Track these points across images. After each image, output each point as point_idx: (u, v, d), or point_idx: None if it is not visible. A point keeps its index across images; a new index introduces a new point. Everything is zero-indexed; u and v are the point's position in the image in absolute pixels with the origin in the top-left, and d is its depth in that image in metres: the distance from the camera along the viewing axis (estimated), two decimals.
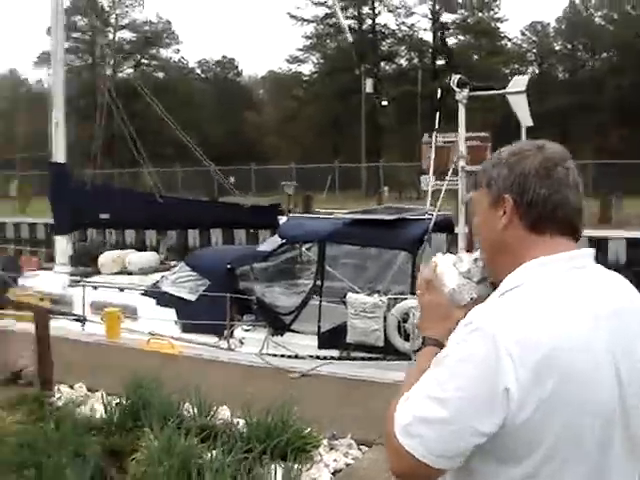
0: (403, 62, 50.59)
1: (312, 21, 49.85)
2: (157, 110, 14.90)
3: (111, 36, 48.50)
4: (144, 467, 4.65)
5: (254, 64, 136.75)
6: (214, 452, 4.75)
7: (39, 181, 31.65)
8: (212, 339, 9.93)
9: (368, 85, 38.48)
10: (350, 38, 38.92)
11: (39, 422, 5.45)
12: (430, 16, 48.22)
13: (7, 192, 34.93)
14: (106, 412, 5.68)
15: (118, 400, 5.75)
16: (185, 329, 10.44)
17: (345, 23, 41.77)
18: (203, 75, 60.09)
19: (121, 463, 4.90)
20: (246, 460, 4.73)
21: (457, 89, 8.31)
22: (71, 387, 6.75)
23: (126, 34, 56.24)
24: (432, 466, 1.53)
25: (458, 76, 8.40)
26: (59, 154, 13.36)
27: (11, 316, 11.04)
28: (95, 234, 21.81)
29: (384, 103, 42.99)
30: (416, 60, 49.23)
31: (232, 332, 10.00)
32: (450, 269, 1.86)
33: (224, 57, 59.65)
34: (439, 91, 10.11)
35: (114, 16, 49.17)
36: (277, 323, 9.74)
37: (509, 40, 51.17)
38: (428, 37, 49.18)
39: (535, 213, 1.62)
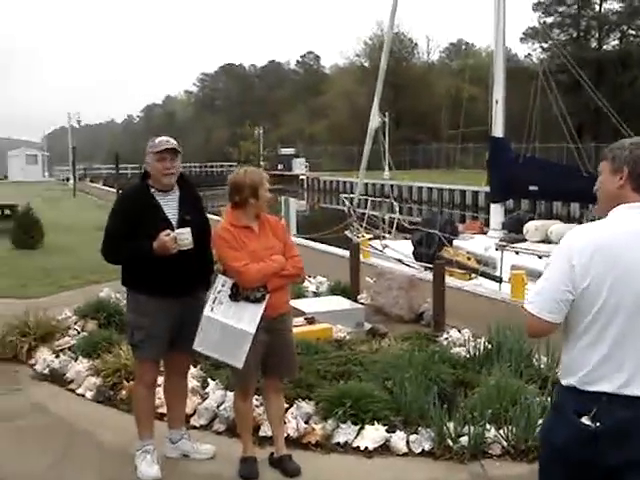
0: None
1: None
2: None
3: (597, 8, 47.95)
4: (479, 399, 5.58)
5: None
6: (541, 397, 5.48)
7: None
8: None
9: None
10: None
11: (416, 351, 6.67)
12: None
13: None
14: (470, 352, 6.73)
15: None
16: None
17: None
18: None
19: (467, 393, 5.88)
20: None
21: None
22: (459, 331, 7.74)
23: (613, 5, 54.71)
24: (545, 319, 2.62)
25: None
26: (497, 129, 14.54)
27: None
28: (527, 204, 22.62)
29: None
30: None
31: None
32: None
33: None
34: None
35: None
36: None
37: None
38: None
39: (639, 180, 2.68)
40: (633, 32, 55.73)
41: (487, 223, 16.62)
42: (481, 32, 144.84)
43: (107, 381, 6.09)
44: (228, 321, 4.33)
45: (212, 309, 4.39)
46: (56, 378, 6.50)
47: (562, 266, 2.60)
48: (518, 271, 10.72)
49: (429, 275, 9.96)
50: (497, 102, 14.46)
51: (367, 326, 8.11)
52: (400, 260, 14.82)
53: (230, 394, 5.55)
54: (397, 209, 18.36)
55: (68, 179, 54.80)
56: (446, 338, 7.54)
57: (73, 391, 6.22)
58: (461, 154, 59.45)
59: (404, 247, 15.46)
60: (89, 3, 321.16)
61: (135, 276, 4.61)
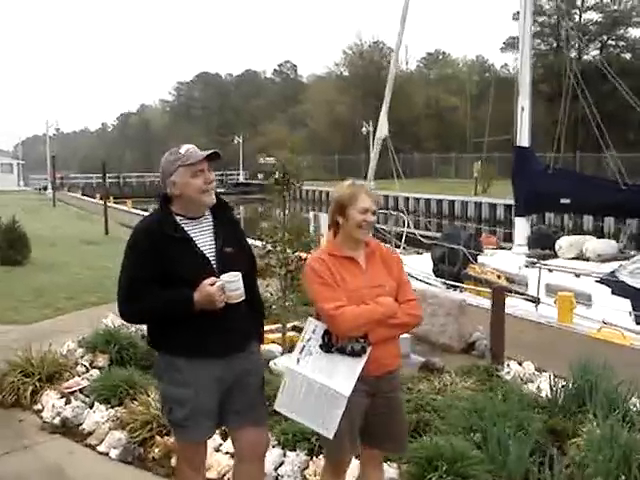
0: None
1: None
2: (623, 93, 14.24)
3: (577, 18, 47.69)
4: (584, 452, 4.65)
5: None
6: None
7: (503, 163, 33.05)
8: None
9: None
10: None
11: (488, 392, 5.76)
12: None
13: (471, 173, 37.00)
14: (552, 393, 5.78)
15: (564, 383, 5.78)
16: (639, 321, 10.01)
17: None
18: None
19: (561, 444, 4.95)
20: None
21: None
22: (520, 364, 6.90)
23: (592, 15, 54.72)
24: None
25: None
26: (523, 138, 13.70)
27: (470, 290, 11.77)
28: (553, 218, 21.85)
29: None
30: None
31: None
32: None
33: None
34: None
35: None
36: None
37: None
38: None
39: None
40: (613, 42, 55.76)
41: (507, 237, 15.79)
42: (458, 42, 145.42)
43: (135, 436, 5.04)
44: (317, 377, 3.38)
45: (298, 361, 3.45)
46: (70, 430, 5.45)
47: None
48: (566, 293, 9.86)
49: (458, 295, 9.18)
50: (523, 109, 13.60)
51: (413, 357, 7.19)
52: (415, 277, 13.86)
53: (291, 454, 4.62)
54: (407, 223, 17.38)
55: (45, 188, 53.80)
56: (507, 372, 6.68)
57: (93, 448, 5.16)
58: (442, 164, 59.25)
59: (420, 263, 14.52)
60: (60, 9, 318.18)
61: (167, 334, 3.45)
